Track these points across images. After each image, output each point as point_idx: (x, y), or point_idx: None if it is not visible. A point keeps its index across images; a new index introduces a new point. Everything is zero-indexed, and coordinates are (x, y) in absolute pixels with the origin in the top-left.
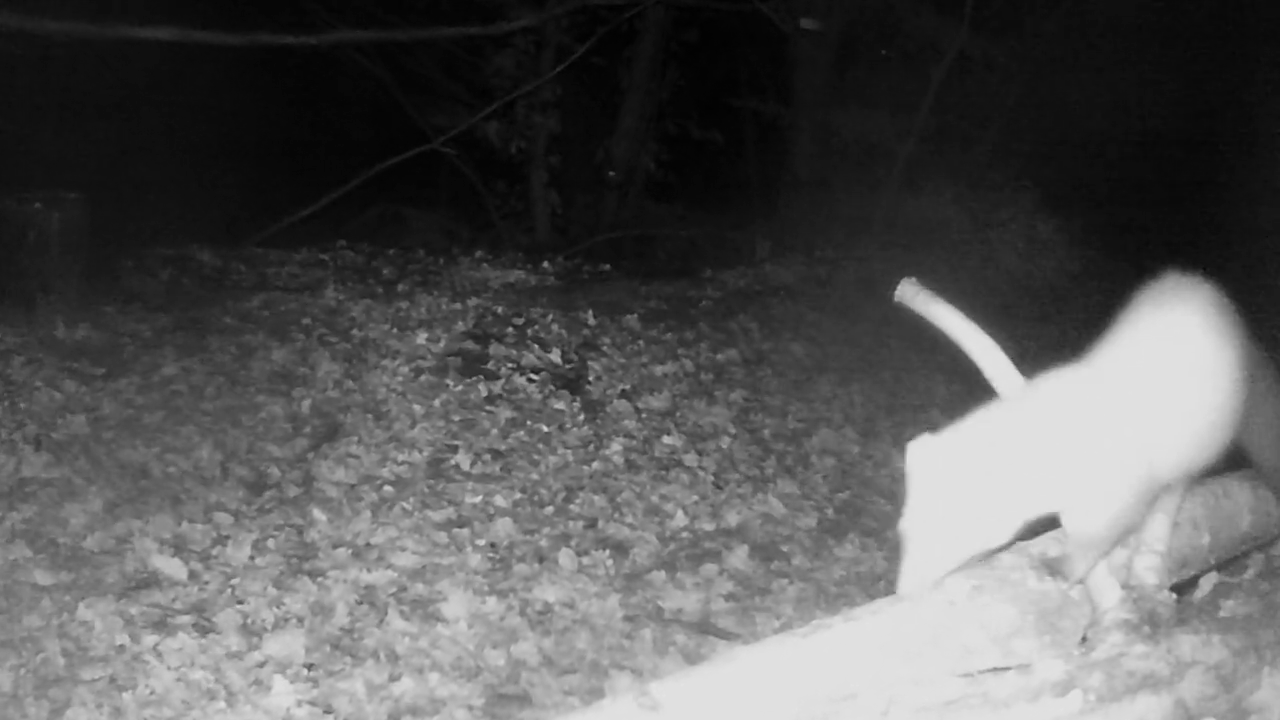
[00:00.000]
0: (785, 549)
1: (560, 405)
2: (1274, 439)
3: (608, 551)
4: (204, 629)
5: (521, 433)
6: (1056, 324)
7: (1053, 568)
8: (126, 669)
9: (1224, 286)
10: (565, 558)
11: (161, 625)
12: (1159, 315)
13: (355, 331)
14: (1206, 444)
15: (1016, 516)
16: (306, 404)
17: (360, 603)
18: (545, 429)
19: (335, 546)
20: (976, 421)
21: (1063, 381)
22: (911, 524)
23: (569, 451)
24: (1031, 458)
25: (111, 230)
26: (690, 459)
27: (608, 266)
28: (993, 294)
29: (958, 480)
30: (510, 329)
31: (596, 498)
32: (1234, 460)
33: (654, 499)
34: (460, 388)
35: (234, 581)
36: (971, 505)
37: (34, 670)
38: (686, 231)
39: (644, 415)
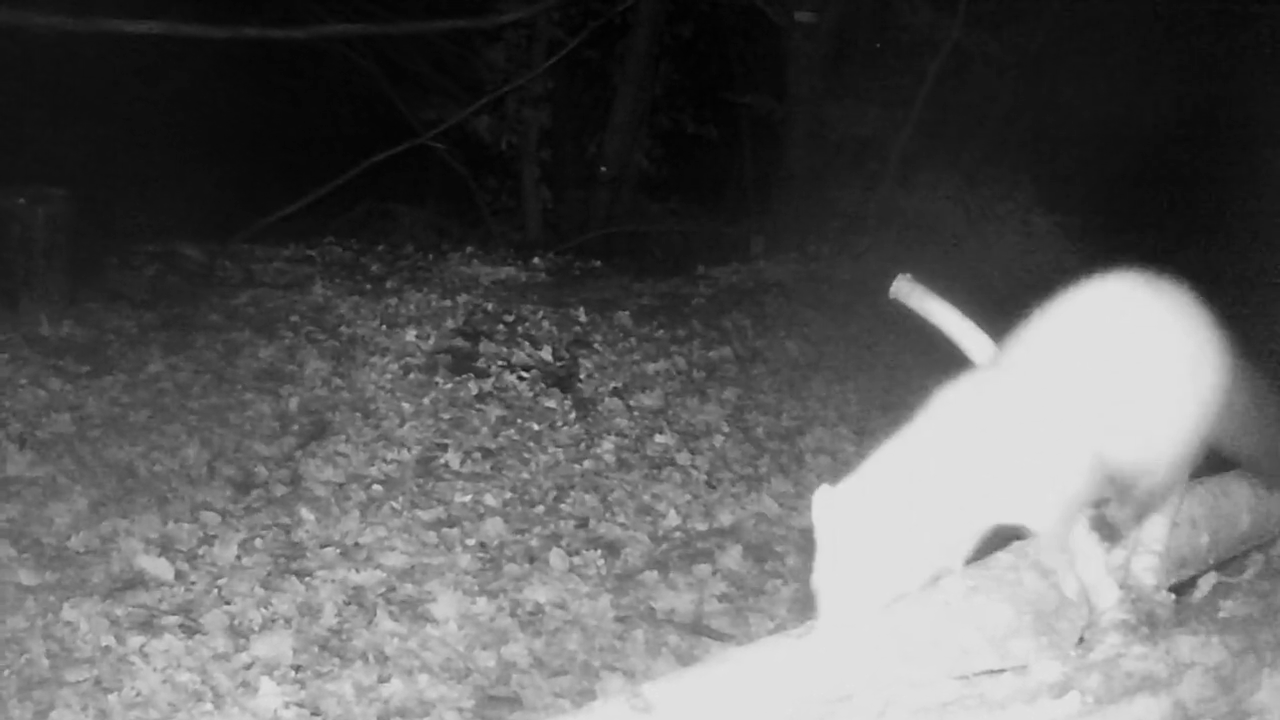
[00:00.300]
0: (779, 549)
1: (551, 403)
2: (1251, 428)
3: (599, 551)
4: (190, 630)
5: (512, 431)
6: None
7: (1033, 559)
8: (112, 670)
9: (1222, 281)
10: (556, 558)
11: (147, 626)
12: (1099, 306)
13: (343, 329)
14: (1165, 431)
15: (958, 535)
16: (294, 402)
17: (349, 603)
18: (536, 427)
19: (323, 546)
20: (884, 458)
21: (976, 386)
22: (823, 579)
23: (560, 450)
24: (955, 476)
25: (97, 226)
26: (683, 458)
27: (599, 263)
28: (989, 290)
29: (870, 525)
30: (501, 326)
31: (588, 497)
32: (1231, 459)
33: (646, 498)
34: (450, 385)
35: (221, 582)
36: (890, 547)
37: (18, 672)
38: (679, 228)
39: (636, 413)
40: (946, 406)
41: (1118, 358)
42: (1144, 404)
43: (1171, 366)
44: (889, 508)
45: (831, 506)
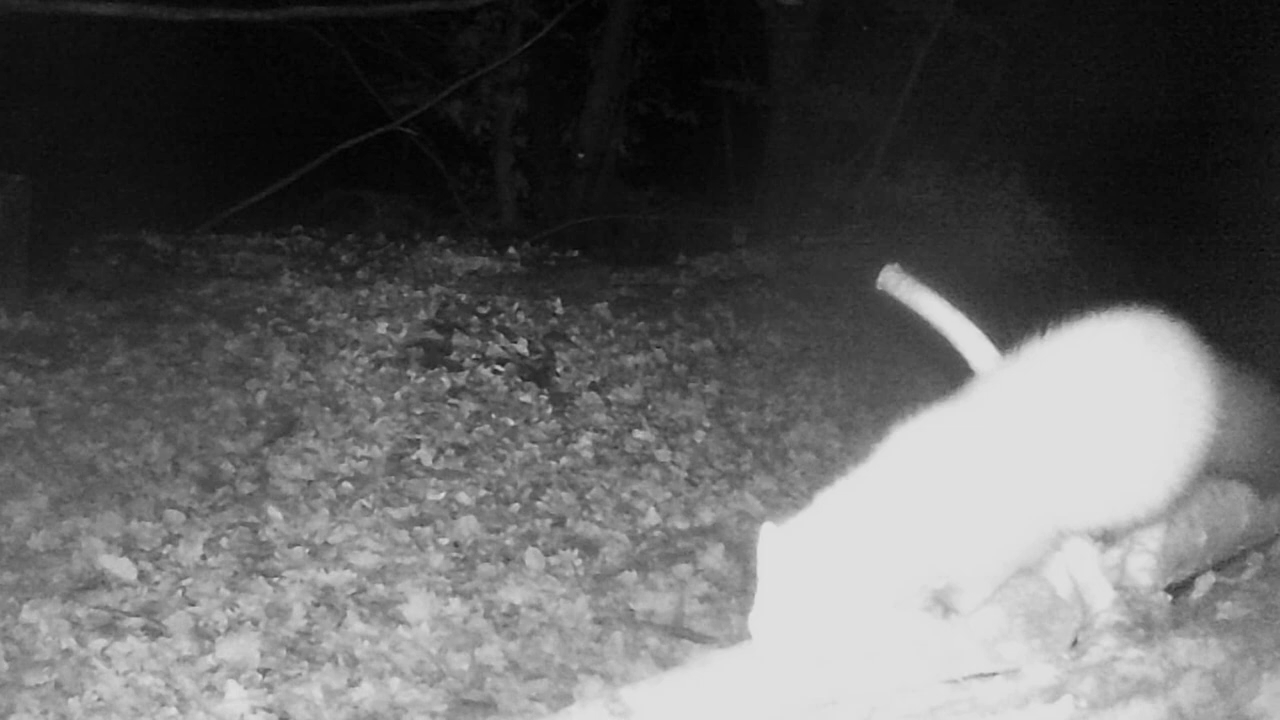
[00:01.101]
0: None
1: (527, 398)
2: (1247, 449)
3: (576, 551)
4: (154, 632)
5: (486, 427)
6: (1046, 311)
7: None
8: (73, 674)
9: (1219, 271)
10: (532, 557)
11: (109, 628)
12: (1080, 356)
13: (312, 321)
14: (1138, 493)
15: (900, 580)
16: (261, 396)
17: (318, 604)
18: (511, 423)
19: (291, 546)
20: (838, 494)
21: (939, 426)
22: (761, 617)
23: (536, 446)
24: (905, 520)
25: (57, 214)
26: (663, 454)
27: (576, 253)
28: (979, 281)
29: (816, 565)
30: (475, 318)
31: (565, 495)
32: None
33: (625, 496)
34: (422, 379)
35: (185, 582)
36: (833, 588)
37: None
38: (659, 216)
39: (614, 408)
40: (906, 446)
41: (1101, 403)
42: (1128, 450)
43: (1158, 410)
44: (834, 549)
45: (777, 545)
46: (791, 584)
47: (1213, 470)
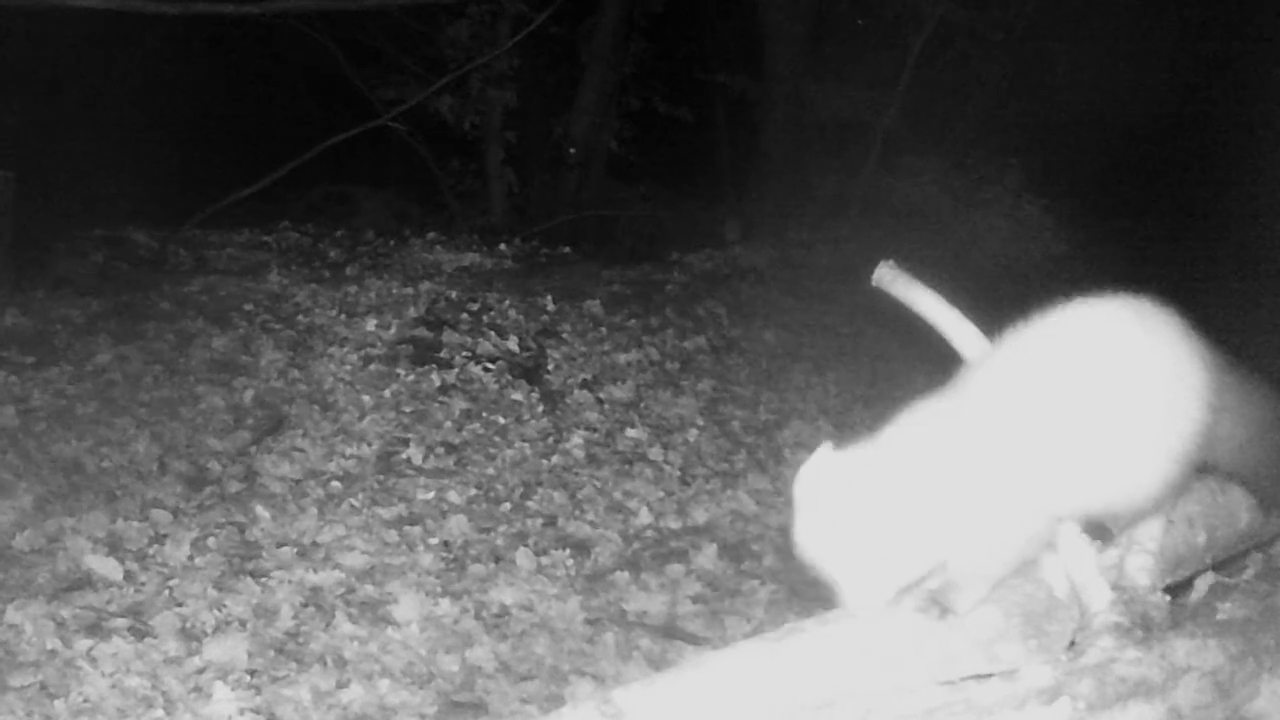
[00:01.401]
0: (756, 548)
1: (518, 396)
2: (1245, 451)
3: (568, 551)
4: (140, 633)
5: (477, 425)
6: (1043, 309)
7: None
8: (58, 675)
9: (1217, 268)
10: (523, 557)
11: (95, 629)
12: (1071, 341)
13: (300, 318)
14: (1133, 481)
15: (912, 556)
16: (249, 395)
17: (306, 605)
18: (502, 421)
19: (279, 545)
20: (865, 454)
21: (937, 415)
22: (809, 541)
23: (527, 445)
24: (913, 499)
25: (41, 210)
26: (655, 453)
27: (568, 249)
28: (975, 277)
29: (850, 503)
30: (465, 315)
31: (556, 494)
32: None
33: (617, 495)
34: (412, 377)
35: (172, 583)
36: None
37: None
38: (652, 212)
39: (606, 406)
40: (898, 441)
41: (1093, 389)
42: (1121, 436)
43: (1151, 395)
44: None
45: (824, 471)
46: (833, 513)
47: (1209, 467)
